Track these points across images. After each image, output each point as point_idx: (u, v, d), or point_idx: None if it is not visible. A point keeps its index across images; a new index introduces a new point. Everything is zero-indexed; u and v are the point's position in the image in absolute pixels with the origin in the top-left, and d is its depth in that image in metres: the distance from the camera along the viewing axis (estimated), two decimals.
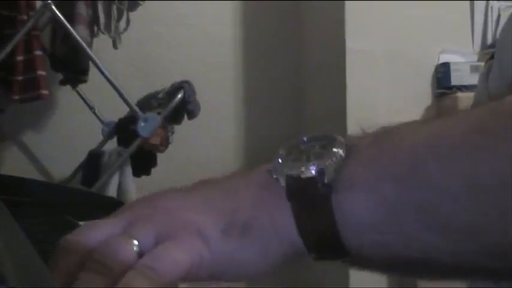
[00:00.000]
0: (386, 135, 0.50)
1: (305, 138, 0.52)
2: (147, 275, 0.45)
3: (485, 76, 0.87)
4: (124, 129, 2.73)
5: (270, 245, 0.48)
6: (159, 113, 2.58)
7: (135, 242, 0.47)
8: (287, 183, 0.48)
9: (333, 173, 0.47)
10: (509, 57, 0.81)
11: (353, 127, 2.99)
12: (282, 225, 0.48)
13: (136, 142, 2.55)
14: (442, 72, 3.12)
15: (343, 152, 0.49)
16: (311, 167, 0.48)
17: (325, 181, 0.47)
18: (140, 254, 0.47)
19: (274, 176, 0.49)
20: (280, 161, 0.50)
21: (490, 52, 0.90)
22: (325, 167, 0.48)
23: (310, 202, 0.47)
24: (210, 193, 0.51)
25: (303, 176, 0.48)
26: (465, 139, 0.46)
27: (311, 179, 0.47)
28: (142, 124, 2.53)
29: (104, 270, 0.46)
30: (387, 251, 0.47)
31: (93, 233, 0.50)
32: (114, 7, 2.71)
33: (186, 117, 2.72)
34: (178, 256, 0.46)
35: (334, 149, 0.49)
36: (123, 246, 0.47)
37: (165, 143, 2.69)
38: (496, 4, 3.30)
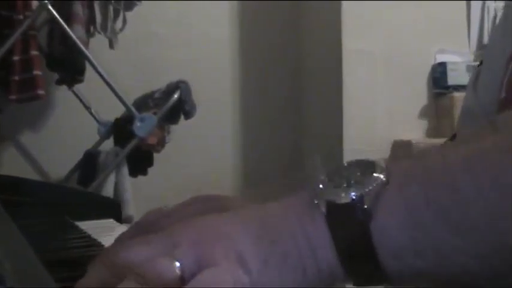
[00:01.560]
0: (421, 158, 0.51)
1: (346, 164, 0.51)
2: None
3: (473, 83, 0.87)
4: (120, 129, 2.73)
5: (309, 271, 0.48)
6: (155, 113, 2.58)
7: (177, 264, 0.48)
8: (327, 209, 0.48)
9: (373, 199, 0.47)
10: (499, 67, 0.81)
11: (350, 127, 3.00)
12: (321, 251, 0.48)
13: (132, 142, 2.56)
14: (439, 72, 3.12)
15: (383, 177, 0.49)
16: (351, 193, 0.48)
17: (365, 207, 0.47)
18: (181, 277, 0.48)
19: (316, 202, 0.49)
20: (321, 186, 0.50)
21: (481, 54, 0.90)
22: (365, 193, 0.48)
23: (350, 228, 0.48)
24: (250, 218, 0.51)
25: (342, 202, 0.48)
26: (497, 155, 0.46)
27: (351, 205, 0.48)
28: (138, 124, 2.53)
29: (144, 283, 0.47)
30: (426, 273, 0.48)
31: (137, 249, 0.50)
32: (111, 7, 2.71)
33: (182, 117, 2.72)
34: (224, 283, 0.46)
35: (375, 175, 0.49)
36: (166, 267, 0.48)
37: (162, 143, 2.69)
38: (492, 4, 3.31)
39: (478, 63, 0.91)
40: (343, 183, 0.49)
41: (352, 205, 0.47)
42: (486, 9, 3.30)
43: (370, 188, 0.48)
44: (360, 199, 0.47)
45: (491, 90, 0.82)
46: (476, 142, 0.50)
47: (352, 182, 0.49)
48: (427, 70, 3.16)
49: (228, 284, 0.46)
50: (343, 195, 0.48)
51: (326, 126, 3.21)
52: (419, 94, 3.13)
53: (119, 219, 1.08)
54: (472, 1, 3.26)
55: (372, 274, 0.48)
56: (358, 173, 0.49)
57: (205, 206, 0.70)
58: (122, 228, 0.82)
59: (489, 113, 0.82)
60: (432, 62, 3.16)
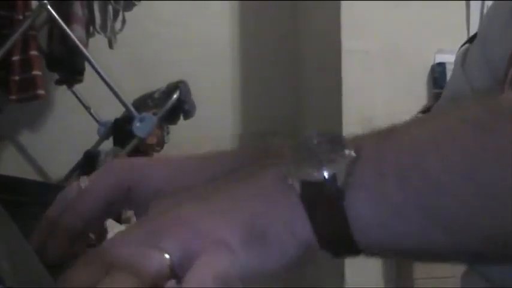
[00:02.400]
0: (390, 134, 0.51)
1: (316, 141, 0.52)
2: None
3: (461, 60, 0.87)
4: (120, 129, 2.73)
5: (288, 248, 0.50)
6: (155, 113, 2.59)
7: (167, 256, 0.48)
8: (302, 188, 0.49)
9: (345, 177, 0.49)
10: (497, 48, 0.80)
11: (349, 127, 3.00)
12: (298, 228, 0.49)
13: (132, 142, 2.56)
14: (438, 72, 3.12)
15: (354, 153, 0.50)
16: (323, 171, 0.49)
17: (338, 184, 0.48)
18: (171, 268, 0.48)
19: (289, 182, 0.50)
20: (292, 164, 0.51)
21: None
22: (337, 171, 0.49)
23: (325, 206, 0.49)
24: (226, 201, 0.52)
25: (317, 180, 0.49)
26: (464, 139, 0.47)
27: (325, 183, 0.49)
28: (138, 124, 2.53)
29: (136, 273, 0.47)
30: (394, 247, 0.50)
31: (124, 246, 0.51)
32: (110, 7, 2.71)
33: (181, 117, 2.73)
34: (219, 268, 0.47)
35: (346, 151, 0.50)
36: (156, 257, 0.48)
37: (161, 143, 2.69)
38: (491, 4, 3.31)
39: (463, 43, 0.90)
40: (314, 160, 0.50)
41: (326, 183, 0.48)
42: (485, 9, 3.30)
43: (342, 165, 0.49)
44: (333, 177, 0.48)
45: (483, 76, 0.82)
46: (443, 116, 0.51)
47: (323, 159, 0.50)
48: (426, 70, 3.16)
49: (223, 268, 0.47)
50: (315, 173, 0.49)
51: (325, 125, 3.21)
52: (419, 94, 3.13)
53: (118, 219, 1.08)
54: (471, 1, 3.26)
55: (348, 249, 0.50)
56: (329, 150, 0.51)
57: (119, 179, 0.72)
58: (119, 228, 0.82)
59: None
60: (431, 62, 3.16)
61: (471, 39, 0.89)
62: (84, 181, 0.73)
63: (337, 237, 0.49)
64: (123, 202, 0.73)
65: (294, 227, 0.49)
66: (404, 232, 0.48)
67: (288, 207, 0.50)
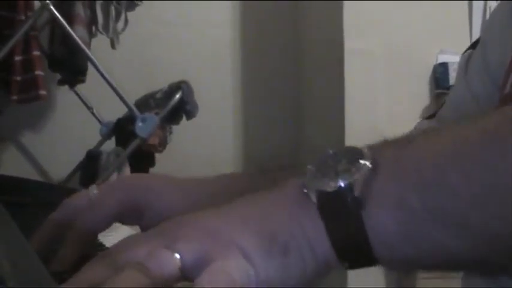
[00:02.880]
0: (408, 145, 0.51)
1: (332, 152, 0.52)
2: None
3: (464, 67, 0.87)
4: (122, 130, 2.73)
5: (308, 261, 0.49)
6: (157, 113, 2.58)
7: (177, 256, 0.48)
8: (318, 199, 0.49)
9: (362, 187, 0.48)
10: (496, 52, 0.80)
11: (351, 127, 3.00)
12: (316, 241, 0.49)
13: (134, 142, 2.56)
14: (441, 73, 3.12)
15: (370, 164, 0.49)
16: (340, 182, 0.48)
17: (355, 195, 0.48)
18: (182, 270, 0.48)
19: (305, 191, 0.50)
20: (309, 176, 0.50)
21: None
22: (354, 181, 0.48)
23: (341, 217, 0.48)
24: (247, 212, 0.52)
25: (332, 191, 0.48)
26: (484, 148, 0.47)
27: (341, 194, 0.48)
28: (140, 124, 2.53)
29: (146, 272, 0.47)
30: (416, 259, 0.49)
31: (135, 247, 0.51)
32: (112, 7, 2.71)
33: (184, 117, 2.73)
34: (234, 275, 0.47)
35: (361, 162, 0.49)
36: (167, 258, 0.48)
37: (163, 143, 2.69)
38: (494, 4, 3.30)
39: (467, 48, 0.91)
40: (330, 172, 0.50)
41: (343, 193, 0.48)
42: (488, 9, 3.30)
43: (358, 175, 0.48)
44: (350, 187, 0.48)
45: (482, 82, 0.82)
46: (463, 127, 0.51)
47: (339, 170, 0.49)
48: (428, 70, 3.15)
49: (238, 274, 0.47)
50: (332, 184, 0.48)
51: (327, 126, 3.21)
52: (421, 94, 3.13)
53: None
54: (473, 1, 3.26)
55: (365, 260, 0.49)
56: (345, 161, 0.50)
57: (129, 197, 0.73)
58: (123, 229, 0.82)
59: (480, 101, 0.82)
60: (434, 62, 3.15)
61: (474, 45, 0.89)
62: (93, 190, 0.73)
63: (355, 248, 0.48)
64: (131, 219, 0.73)
65: (312, 238, 0.49)
66: (428, 242, 0.48)
67: (306, 218, 0.49)
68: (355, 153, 0.51)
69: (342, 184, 0.48)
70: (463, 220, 0.47)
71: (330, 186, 0.49)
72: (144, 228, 0.75)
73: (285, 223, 0.50)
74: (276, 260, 0.49)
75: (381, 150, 0.51)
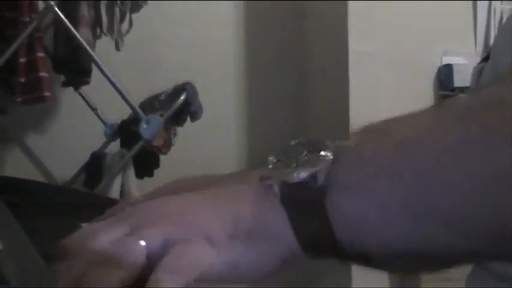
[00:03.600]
0: (374, 133, 0.52)
1: (293, 144, 0.52)
2: (174, 275, 0.47)
3: (476, 78, 0.88)
4: (127, 131, 2.73)
5: (271, 248, 0.50)
6: (161, 115, 2.58)
7: (143, 243, 0.48)
8: (280, 189, 0.49)
9: (324, 177, 0.48)
10: (504, 59, 0.80)
11: (356, 128, 3.00)
12: (279, 229, 0.49)
13: (139, 144, 2.55)
14: (445, 74, 3.12)
15: (331, 154, 0.50)
16: (302, 172, 0.49)
17: (317, 185, 0.48)
18: (148, 256, 0.48)
19: (268, 183, 0.50)
20: (271, 167, 0.51)
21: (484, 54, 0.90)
22: (316, 171, 0.49)
23: (304, 207, 0.49)
24: (213, 199, 0.52)
25: (294, 181, 0.49)
26: (466, 131, 0.46)
27: (303, 184, 0.48)
28: (144, 126, 2.53)
29: (115, 267, 0.47)
30: (388, 246, 0.48)
31: (99, 234, 0.51)
32: (117, 9, 2.71)
33: (188, 119, 2.73)
34: (198, 257, 0.48)
35: (322, 153, 0.50)
36: (133, 247, 0.48)
37: (168, 145, 2.69)
38: (498, 5, 3.30)
39: (479, 61, 0.91)
40: (293, 162, 0.50)
41: (305, 183, 0.48)
42: (492, 11, 3.29)
43: (320, 166, 0.49)
44: (312, 177, 0.48)
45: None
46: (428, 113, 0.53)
47: (301, 161, 0.50)
48: (433, 72, 3.15)
49: (201, 257, 0.48)
50: (294, 174, 0.49)
51: (332, 127, 3.20)
52: (425, 96, 3.13)
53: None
54: (478, 2, 3.26)
55: (330, 249, 0.49)
56: (306, 152, 0.50)
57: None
58: None
59: None
60: (438, 64, 3.15)
61: (486, 58, 0.89)
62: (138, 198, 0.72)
63: (319, 237, 0.48)
64: None
65: (275, 227, 0.49)
66: (397, 229, 0.47)
67: (270, 207, 0.50)
68: (317, 144, 0.51)
69: (304, 174, 0.48)
70: (434, 207, 0.46)
71: (292, 177, 0.49)
72: None
73: (249, 211, 0.50)
74: (239, 244, 0.49)
75: (344, 140, 0.52)
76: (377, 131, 0.52)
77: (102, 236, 0.50)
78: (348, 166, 0.49)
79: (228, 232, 0.49)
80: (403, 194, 0.47)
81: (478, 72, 0.88)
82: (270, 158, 0.52)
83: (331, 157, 0.49)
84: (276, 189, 0.49)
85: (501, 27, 0.89)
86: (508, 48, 0.82)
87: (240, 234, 0.49)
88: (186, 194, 0.54)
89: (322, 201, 0.48)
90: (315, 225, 0.48)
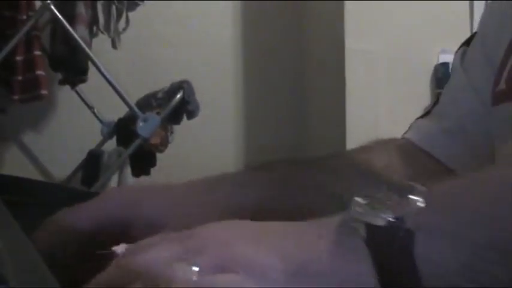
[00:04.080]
0: (461, 182, 0.51)
1: (381, 187, 0.50)
2: None
3: (460, 62, 0.87)
4: (124, 129, 2.73)
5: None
6: (158, 113, 2.58)
7: (196, 269, 0.47)
8: (367, 231, 0.47)
9: (413, 221, 0.47)
10: (497, 49, 0.80)
11: (353, 127, 3.00)
12: (360, 273, 0.47)
13: (135, 142, 2.56)
14: (442, 72, 3.12)
15: (421, 199, 0.48)
16: (390, 215, 0.47)
17: (406, 229, 0.46)
18: (197, 282, 0.47)
19: (352, 225, 0.48)
20: (358, 209, 0.49)
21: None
22: (405, 215, 0.47)
23: (391, 250, 0.47)
24: (281, 237, 0.50)
25: (381, 224, 0.47)
26: None
27: (391, 227, 0.47)
28: (141, 124, 2.53)
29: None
30: None
31: (155, 252, 0.50)
32: (114, 7, 2.71)
33: (185, 117, 2.73)
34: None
35: (412, 197, 0.48)
36: (181, 272, 0.47)
37: (165, 143, 2.69)
38: None
39: (460, 46, 0.91)
40: (380, 206, 0.48)
41: (393, 226, 0.46)
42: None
43: (409, 209, 0.47)
44: (401, 220, 0.46)
45: (485, 76, 0.82)
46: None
47: (389, 204, 0.48)
48: (429, 70, 3.15)
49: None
50: (382, 217, 0.47)
51: (328, 126, 3.21)
52: (422, 94, 3.13)
53: None
54: (474, 1, 3.26)
55: None
56: (395, 196, 0.49)
57: (104, 203, 0.72)
58: None
59: (481, 95, 0.82)
60: (435, 62, 3.15)
61: (468, 42, 0.89)
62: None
63: (403, 281, 0.46)
64: (116, 233, 0.70)
65: (355, 270, 0.47)
66: (477, 273, 0.46)
67: (350, 250, 0.48)
68: (406, 189, 0.49)
69: (393, 218, 0.47)
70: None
71: (380, 219, 0.47)
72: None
73: (323, 253, 0.48)
74: (304, 283, 0.47)
75: (432, 187, 0.50)
76: (465, 179, 0.51)
77: (158, 254, 0.49)
78: (440, 212, 0.48)
79: (292, 271, 0.47)
80: (491, 242, 0.46)
81: (461, 55, 0.88)
82: (356, 199, 0.49)
83: (422, 202, 0.48)
84: (362, 231, 0.47)
85: (486, 16, 0.88)
86: (495, 39, 0.81)
87: (307, 274, 0.47)
88: (250, 224, 0.52)
89: (411, 246, 0.46)
90: (401, 269, 0.46)
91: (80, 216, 0.71)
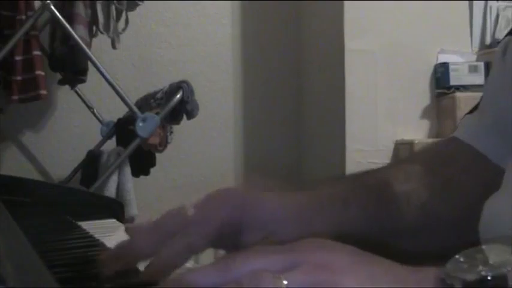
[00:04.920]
0: None
1: (480, 246, 0.49)
2: None
3: (502, 52, 0.84)
4: (123, 129, 2.73)
5: None
6: (157, 113, 2.58)
7: (285, 283, 0.46)
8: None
9: None
10: None
11: (352, 126, 3.00)
12: None
13: (135, 142, 2.55)
14: (441, 72, 3.12)
15: None
16: (489, 273, 0.46)
17: (507, 285, 0.45)
18: None
19: (449, 282, 0.47)
20: (453, 266, 0.48)
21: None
22: (505, 273, 0.46)
23: None
24: (381, 274, 0.49)
25: (482, 280, 0.46)
26: None
27: (491, 285, 0.45)
28: (141, 124, 2.53)
29: None
30: None
31: (253, 259, 0.50)
32: (113, 7, 2.71)
33: (184, 117, 2.72)
34: None
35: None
36: (269, 284, 0.46)
37: (164, 143, 2.69)
38: (494, 4, 3.30)
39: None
40: (478, 263, 0.47)
41: (493, 285, 0.45)
42: (488, 9, 3.30)
43: (510, 268, 0.45)
44: (502, 279, 0.45)
45: None
46: None
47: (488, 262, 0.47)
48: (429, 70, 3.15)
49: None
50: (481, 274, 0.46)
51: (328, 125, 3.21)
52: (422, 94, 3.13)
53: (121, 219, 1.08)
54: (474, 1, 3.26)
55: None
56: (494, 255, 0.48)
57: (225, 204, 0.69)
58: (123, 228, 0.82)
59: None
60: (434, 62, 3.15)
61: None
62: (190, 208, 0.69)
63: None
64: (227, 240, 0.69)
65: None
66: None
67: None
68: (504, 249, 0.48)
69: (492, 275, 0.45)
70: None
71: (480, 276, 0.46)
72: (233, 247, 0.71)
73: None
74: None
75: None
76: None
77: (254, 262, 0.49)
78: None
79: None
80: None
81: (503, 46, 0.85)
82: (456, 257, 0.49)
83: None
84: (459, 286, 0.46)
85: None
86: None
87: None
88: (354, 251, 0.52)
89: None
90: None
91: (196, 239, 0.68)
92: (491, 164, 0.81)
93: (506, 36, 0.85)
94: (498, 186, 0.70)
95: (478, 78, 3.08)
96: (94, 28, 2.72)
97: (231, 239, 0.69)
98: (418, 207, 0.76)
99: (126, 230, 0.70)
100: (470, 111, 0.88)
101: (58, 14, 2.49)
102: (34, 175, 3.02)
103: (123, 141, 2.69)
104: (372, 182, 0.77)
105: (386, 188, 0.77)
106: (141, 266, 0.66)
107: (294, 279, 0.47)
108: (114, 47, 2.80)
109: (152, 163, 2.78)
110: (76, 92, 2.97)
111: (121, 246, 0.67)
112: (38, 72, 2.51)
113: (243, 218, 0.69)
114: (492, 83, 0.86)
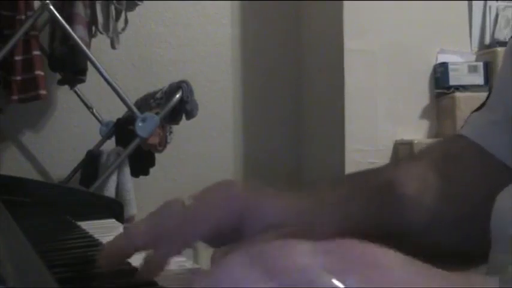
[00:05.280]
0: None
1: None
2: None
3: (511, 50, 0.84)
4: (122, 129, 2.73)
5: None
6: (157, 113, 2.58)
7: (340, 286, 0.42)
8: None
9: None
10: None
11: (351, 126, 3.00)
12: None
13: (134, 142, 2.55)
14: (440, 72, 3.12)
15: None
16: None
17: None
18: None
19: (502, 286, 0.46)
20: (507, 276, 0.46)
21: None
22: None
23: None
24: (431, 278, 0.46)
25: None
26: None
27: None
28: (140, 124, 2.53)
29: None
30: None
31: (295, 257, 0.46)
32: (113, 7, 2.71)
33: (184, 117, 2.73)
34: None
35: None
36: (320, 280, 0.42)
37: (164, 143, 2.69)
38: (494, 4, 3.31)
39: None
40: None
41: None
42: (488, 9, 3.30)
43: None
44: None
45: None
46: None
47: None
48: (428, 70, 3.15)
49: None
50: None
51: (328, 126, 3.21)
52: (421, 94, 3.13)
53: (121, 219, 1.08)
54: (473, 1, 3.26)
55: None
56: None
57: (229, 193, 0.69)
58: (123, 228, 0.82)
59: None
60: (434, 62, 3.15)
61: None
62: (188, 199, 0.68)
63: None
64: (231, 231, 0.68)
65: None
66: None
67: None
68: None
69: None
70: None
71: None
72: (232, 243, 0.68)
73: None
74: None
75: None
76: None
77: (301, 259, 0.46)
78: None
79: None
80: None
81: None
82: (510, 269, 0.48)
83: None
84: None
85: None
86: None
87: None
88: (412, 262, 0.50)
89: None
90: None
91: (195, 232, 0.67)
92: (498, 163, 0.80)
93: None
94: (504, 186, 0.70)
95: (478, 78, 3.09)
96: (93, 28, 2.72)
97: (229, 238, 0.67)
98: (422, 207, 0.76)
99: (124, 230, 0.69)
100: (478, 109, 0.87)
101: (57, 14, 2.49)
102: (34, 175, 3.02)
103: (122, 141, 2.69)
104: (376, 183, 0.77)
105: (390, 188, 0.77)
106: (137, 264, 0.65)
107: (347, 279, 0.42)
108: (113, 47, 2.80)
109: (152, 163, 2.78)
110: (75, 92, 2.97)
111: (117, 237, 0.66)
112: (38, 72, 2.51)
113: (243, 218, 0.68)
114: (502, 78, 0.85)
